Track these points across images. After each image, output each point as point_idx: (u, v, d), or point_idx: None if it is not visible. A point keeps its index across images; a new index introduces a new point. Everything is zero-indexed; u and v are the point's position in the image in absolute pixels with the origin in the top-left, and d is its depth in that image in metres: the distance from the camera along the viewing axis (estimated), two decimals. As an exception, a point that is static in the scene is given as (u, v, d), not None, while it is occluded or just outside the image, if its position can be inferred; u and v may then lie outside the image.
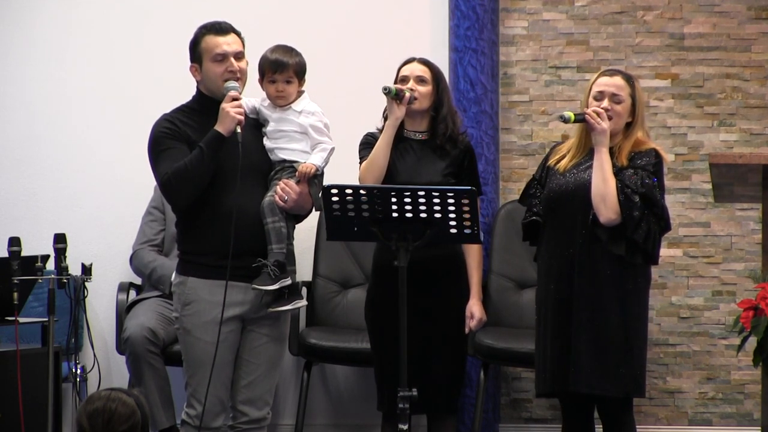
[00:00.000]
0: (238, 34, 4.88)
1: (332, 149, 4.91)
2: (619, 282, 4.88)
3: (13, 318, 5.34)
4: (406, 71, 5.24)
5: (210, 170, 4.74)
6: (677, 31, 6.60)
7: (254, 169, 4.83)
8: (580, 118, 4.94)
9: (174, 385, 6.10)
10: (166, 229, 6.38)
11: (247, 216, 4.77)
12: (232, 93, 4.76)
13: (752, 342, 4.71)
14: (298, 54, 4.96)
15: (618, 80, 4.98)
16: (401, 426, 4.52)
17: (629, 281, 4.90)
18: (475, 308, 5.25)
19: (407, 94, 5.13)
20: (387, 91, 5.10)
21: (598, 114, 4.90)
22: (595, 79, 5.01)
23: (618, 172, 4.89)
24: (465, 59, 6.49)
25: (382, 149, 5.13)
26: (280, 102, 4.92)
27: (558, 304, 4.92)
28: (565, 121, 4.95)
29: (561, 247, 4.93)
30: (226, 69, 4.80)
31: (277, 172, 4.88)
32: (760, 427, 4.88)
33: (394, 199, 4.57)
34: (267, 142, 4.91)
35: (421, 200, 4.56)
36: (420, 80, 5.21)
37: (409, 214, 4.58)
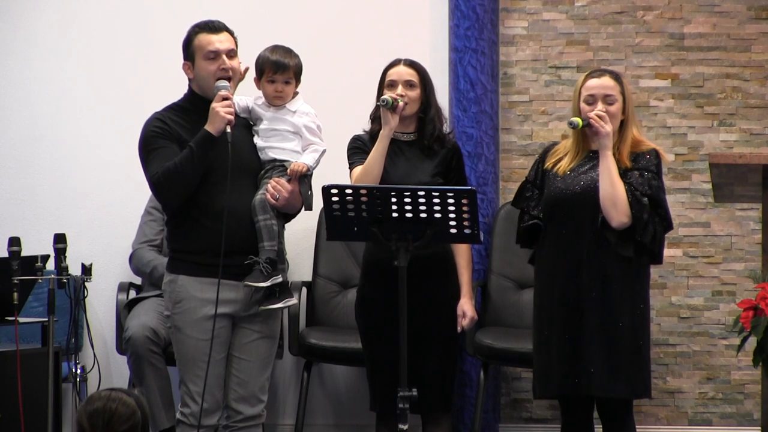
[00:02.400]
0: (231, 32, 4.89)
1: (324, 151, 4.93)
2: (628, 283, 4.88)
3: (13, 318, 5.34)
4: (393, 75, 5.22)
5: (200, 170, 4.75)
6: (677, 31, 6.60)
7: (244, 169, 4.84)
8: (586, 123, 4.92)
9: (175, 385, 6.10)
10: (164, 229, 6.38)
11: (237, 214, 4.78)
12: (223, 92, 4.77)
13: (752, 342, 4.71)
14: (296, 55, 4.99)
15: (607, 80, 4.96)
16: (401, 426, 4.52)
17: (636, 282, 4.90)
18: (466, 307, 5.24)
19: (400, 104, 5.12)
20: (384, 103, 5.10)
21: (600, 117, 4.88)
22: (583, 82, 4.98)
23: (622, 174, 4.88)
24: (465, 59, 6.49)
25: (376, 160, 5.11)
26: (278, 102, 4.94)
27: (565, 307, 4.90)
28: (574, 127, 4.92)
29: (567, 250, 4.91)
30: (218, 67, 4.82)
31: (268, 171, 4.89)
32: (760, 427, 4.88)
33: (394, 199, 4.57)
34: (258, 141, 4.92)
35: (421, 200, 4.56)
36: (408, 85, 5.20)
37: (409, 214, 4.58)
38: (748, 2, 6.58)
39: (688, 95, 6.60)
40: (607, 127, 4.87)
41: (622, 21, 6.62)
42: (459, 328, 5.25)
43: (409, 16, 6.65)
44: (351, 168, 5.23)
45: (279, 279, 4.81)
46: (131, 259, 6.41)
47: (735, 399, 6.53)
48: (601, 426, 5.01)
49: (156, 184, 4.79)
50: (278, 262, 4.82)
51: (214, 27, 4.87)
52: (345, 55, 6.62)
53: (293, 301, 4.95)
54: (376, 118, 5.22)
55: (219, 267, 4.68)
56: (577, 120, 4.91)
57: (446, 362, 5.22)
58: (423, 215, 4.58)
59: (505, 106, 6.64)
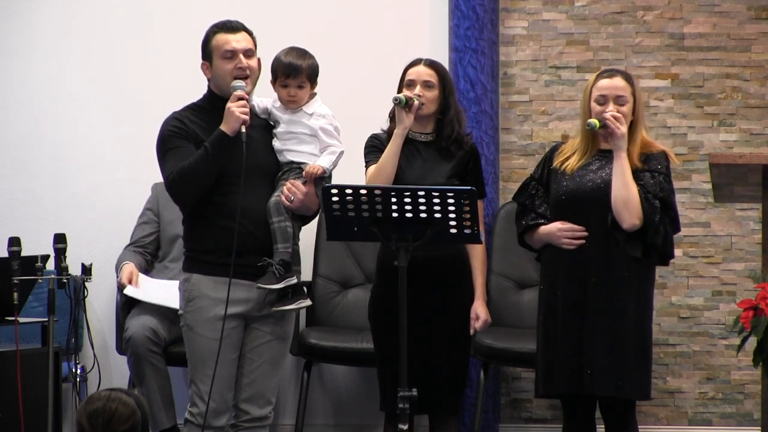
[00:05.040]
0: (249, 32, 4.88)
1: (341, 152, 4.90)
2: (635, 283, 4.88)
3: (13, 318, 5.34)
4: (412, 75, 5.21)
5: (214, 170, 4.74)
6: (677, 31, 6.60)
7: (262, 170, 4.83)
8: (603, 124, 4.91)
9: (175, 385, 6.11)
10: (163, 231, 6.37)
11: (252, 215, 4.77)
12: (238, 93, 4.76)
13: (752, 342, 4.71)
14: (311, 57, 4.96)
15: (619, 81, 4.95)
16: (401, 426, 4.52)
17: (642, 283, 4.91)
18: (480, 310, 5.23)
19: (416, 102, 5.10)
20: (398, 102, 5.08)
21: (616, 119, 4.88)
22: (594, 82, 4.97)
23: (634, 175, 4.87)
24: (465, 59, 6.49)
25: (390, 158, 5.12)
26: (292, 106, 4.91)
27: (570, 305, 4.90)
28: (592, 128, 4.91)
29: (574, 249, 4.92)
30: (235, 66, 4.81)
31: (285, 173, 4.88)
32: (760, 427, 4.88)
33: (394, 199, 4.56)
34: (276, 144, 4.90)
35: (421, 200, 4.56)
36: (427, 85, 5.18)
37: (409, 214, 4.58)
38: (748, 2, 6.58)
39: (688, 95, 6.60)
40: (623, 129, 4.87)
41: (622, 21, 6.62)
42: (472, 331, 5.24)
43: (409, 16, 6.65)
44: (366, 167, 5.22)
45: (293, 281, 4.79)
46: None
47: (735, 399, 6.53)
48: (602, 426, 5.01)
49: (171, 183, 4.79)
50: (293, 264, 4.81)
51: (231, 27, 4.86)
52: (345, 56, 6.62)
53: (307, 302, 4.92)
54: (393, 116, 5.20)
55: (231, 266, 4.69)
56: (595, 121, 4.89)
57: (457, 365, 5.21)
58: (423, 215, 4.58)
59: (505, 106, 6.64)
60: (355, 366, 6.37)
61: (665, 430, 6.54)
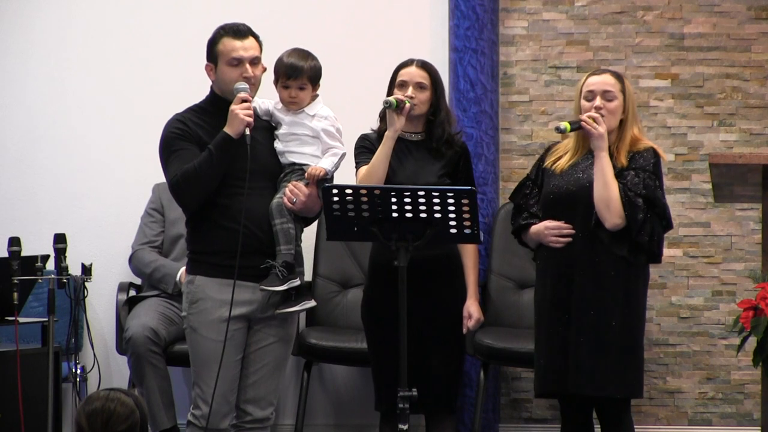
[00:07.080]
0: (256, 37, 4.86)
1: (343, 154, 4.89)
2: (622, 282, 4.88)
3: (13, 318, 5.34)
4: (404, 76, 5.21)
5: (219, 172, 4.74)
6: (677, 31, 6.60)
7: (264, 172, 4.82)
8: (576, 126, 4.93)
9: (175, 385, 6.11)
10: (165, 231, 6.37)
11: (255, 217, 4.76)
12: (242, 95, 4.74)
13: (752, 342, 4.71)
14: (313, 59, 4.94)
15: (607, 78, 4.97)
16: (401, 426, 4.52)
17: (631, 281, 4.90)
18: (472, 308, 5.24)
19: (407, 105, 5.10)
20: (388, 105, 5.07)
21: (594, 119, 4.89)
22: (584, 81, 5.00)
23: (618, 173, 4.88)
24: (465, 59, 6.49)
25: (381, 161, 5.11)
26: (293, 107, 4.89)
27: (555, 303, 4.92)
28: (562, 132, 4.94)
29: (560, 248, 4.92)
30: (240, 74, 4.79)
31: (287, 175, 4.87)
32: (760, 427, 4.88)
33: (394, 199, 4.57)
34: (278, 145, 4.89)
35: (421, 200, 4.56)
36: (419, 86, 5.18)
37: (409, 214, 4.58)
38: (748, 2, 6.58)
39: (688, 95, 6.60)
40: (600, 129, 4.88)
41: (622, 21, 6.62)
42: (465, 330, 5.24)
43: (409, 16, 6.65)
44: (357, 168, 5.21)
45: (296, 282, 4.78)
46: (131, 260, 6.40)
47: (735, 399, 6.53)
48: (599, 426, 5.02)
49: (175, 185, 4.78)
50: (296, 265, 4.80)
51: (239, 32, 4.83)
52: (344, 55, 6.62)
53: (311, 303, 4.90)
54: (383, 116, 5.19)
55: (235, 268, 4.69)
56: (565, 125, 4.93)
57: (451, 363, 5.21)
58: (423, 215, 4.58)
59: (505, 106, 6.64)
60: (355, 366, 6.37)
61: (665, 430, 6.54)
